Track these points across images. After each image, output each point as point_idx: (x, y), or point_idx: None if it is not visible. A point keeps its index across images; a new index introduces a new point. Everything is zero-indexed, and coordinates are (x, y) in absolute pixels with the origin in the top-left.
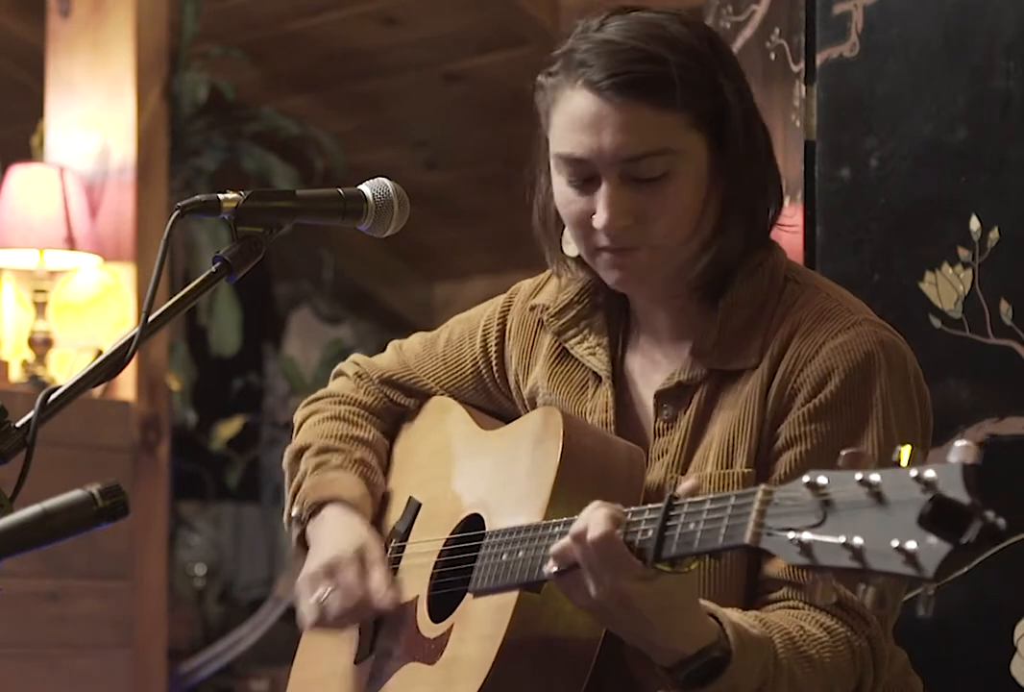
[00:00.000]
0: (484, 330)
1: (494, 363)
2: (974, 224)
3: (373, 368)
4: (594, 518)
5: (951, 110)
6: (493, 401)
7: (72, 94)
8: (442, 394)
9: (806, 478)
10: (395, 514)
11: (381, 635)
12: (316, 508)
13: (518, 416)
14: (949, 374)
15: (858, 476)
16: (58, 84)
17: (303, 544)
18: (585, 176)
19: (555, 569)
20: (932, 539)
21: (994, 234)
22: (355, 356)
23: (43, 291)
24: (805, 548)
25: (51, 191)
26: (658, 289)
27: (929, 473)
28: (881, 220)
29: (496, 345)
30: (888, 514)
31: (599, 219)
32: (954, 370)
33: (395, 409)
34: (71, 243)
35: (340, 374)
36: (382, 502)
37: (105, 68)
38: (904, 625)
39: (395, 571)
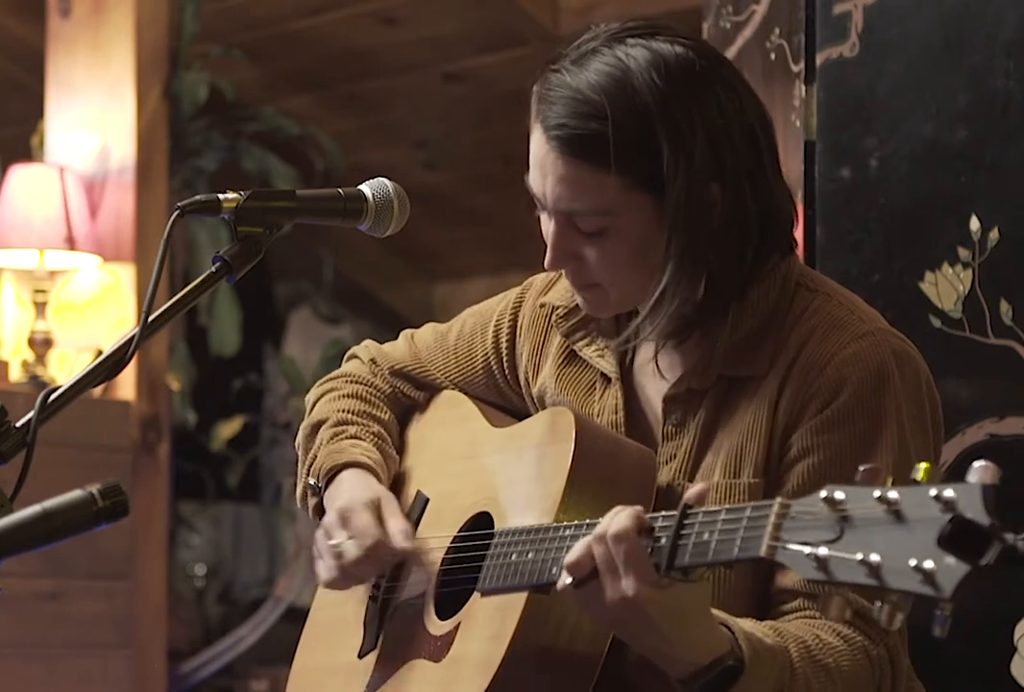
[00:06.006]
0: (496, 325)
1: (505, 359)
2: (974, 224)
3: (385, 358)
4: (616, 517)
5: (951, 110)
6: (503, 396)
7: (72, 94)
8: (451, 388)
9: (823, 493)
10: (403, 503)
11: (386, 629)
12: (333, 475)
13: (527, 412)
14: (949, 374)
15: (876, 493)
16: (58, 84)
17: (320, 514)
18: (543, 206)
19: (569, 581)
20: (950, 559)
21: (994, 234)
22: (368, 342)
23: (43, 291)
24: (821, 563)
25: (51, 191)
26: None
27: (948, 493)
28: (881, 220)
29: (508, 341)
30: (906, 532)
31: (547, 257)
32: (954, 370)
33: (404, 401)
34: (71, 243)
35: (353, 357)
36: (392, 485)
37: (105, 68)
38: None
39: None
